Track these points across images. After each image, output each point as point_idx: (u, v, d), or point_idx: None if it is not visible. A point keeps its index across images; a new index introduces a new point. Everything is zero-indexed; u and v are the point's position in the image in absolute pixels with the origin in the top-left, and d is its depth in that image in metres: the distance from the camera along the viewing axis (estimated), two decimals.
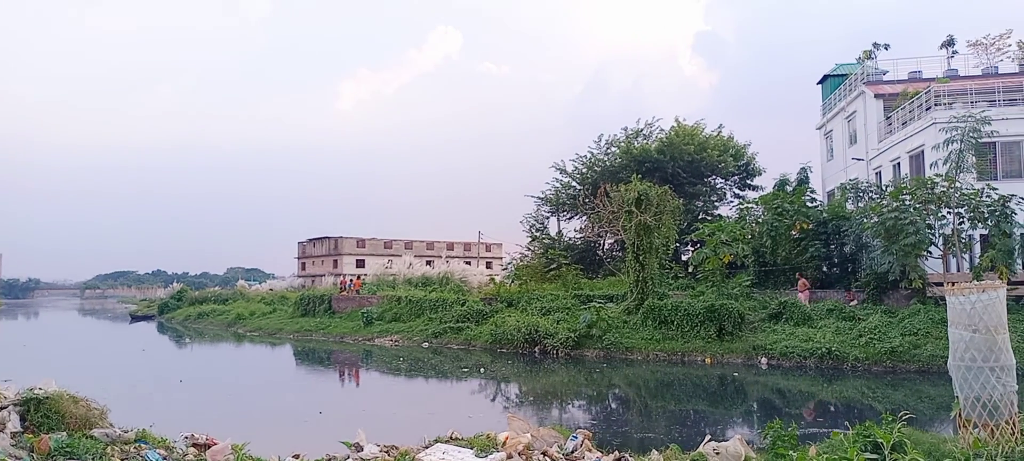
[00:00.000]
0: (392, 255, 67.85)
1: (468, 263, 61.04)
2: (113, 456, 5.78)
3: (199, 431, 6.82)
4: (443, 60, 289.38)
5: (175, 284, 78.79)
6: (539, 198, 47.30)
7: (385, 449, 6.18)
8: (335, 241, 71.48)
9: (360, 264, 68.94)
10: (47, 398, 6.26)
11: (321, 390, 21.20)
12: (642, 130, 44.54)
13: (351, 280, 45.73)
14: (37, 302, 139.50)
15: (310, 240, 76.32)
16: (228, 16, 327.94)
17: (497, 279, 41.68)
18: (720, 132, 43.28)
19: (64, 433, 6.05)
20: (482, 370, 23.27)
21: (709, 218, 37.42)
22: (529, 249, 46.17)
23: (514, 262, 46.30)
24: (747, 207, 32.48)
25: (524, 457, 6.49)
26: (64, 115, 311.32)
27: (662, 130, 43.64)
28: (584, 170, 44.77)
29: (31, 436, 5.88)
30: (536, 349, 25.93)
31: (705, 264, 28.13)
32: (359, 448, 6.11)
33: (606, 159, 43.92)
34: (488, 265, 71.42)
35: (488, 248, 77.42)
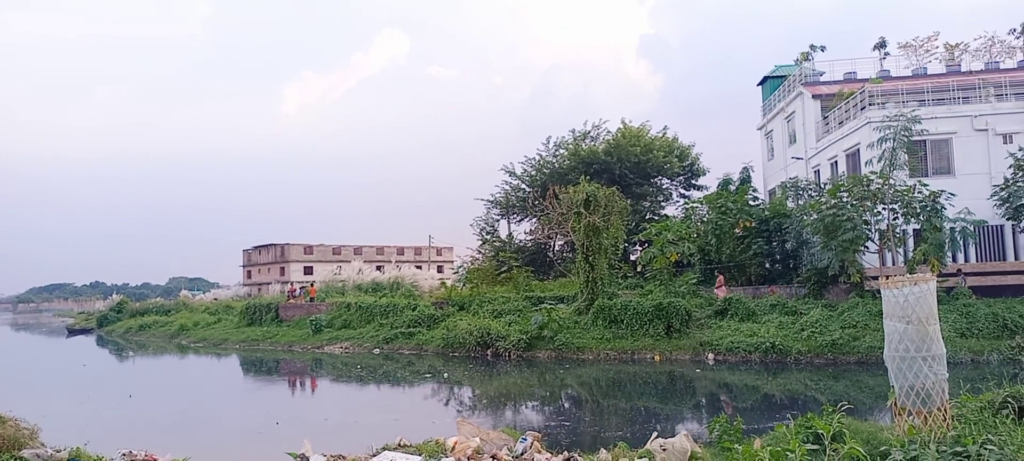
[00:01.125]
0: (341, 261, 66.81)
1: (419, 267, 60.53)
2: None
3: (140, 448, 6.55)
4: (390, 63, 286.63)
5: (114, 296, 75.48)
6: (489, 201, 47.37)
7: (332, 458, 6.06)
8: (281, 248, 69.93)
9: (308, 271, 67.60)
10: None
11: (269, 401, 20.66)
12: (589, 132, 45.08)
13: (302, 287, 44.80)
14: None
15: (256, 248, 74.48)
16: (166, 19, 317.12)
17: (448, 283, 41.51)
18: (665, 134, 44.17)
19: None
20: (440, 375, 23.10)
21: (656, 218, 38.10)
22: (480, 252, 46.16)
23: (465, 266, 46.21)
24: (692, 206, 33.25)
25: None
26: None
27: (609, 132, 44.27)
28: (533, 172, 45.03)
29: None
30: (488, 352, 25.93)
31: (653, 263, 28.63)
32: (305, 458, 5.97)
33: (555, 161, 44.27)
34: (439, 269, 71.00)
35: (439, 252, 77.00)
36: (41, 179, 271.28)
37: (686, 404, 17.40)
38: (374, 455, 6.22)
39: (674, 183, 45.07)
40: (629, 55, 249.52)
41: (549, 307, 27.22)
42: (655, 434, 7.54)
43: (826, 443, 6.12)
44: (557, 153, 44.74)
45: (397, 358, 28.03)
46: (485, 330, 26.61)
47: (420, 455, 6.46)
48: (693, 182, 44.55)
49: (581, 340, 24.92)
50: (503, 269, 38.04)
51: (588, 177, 30.65)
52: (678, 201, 43.53)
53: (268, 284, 65.07)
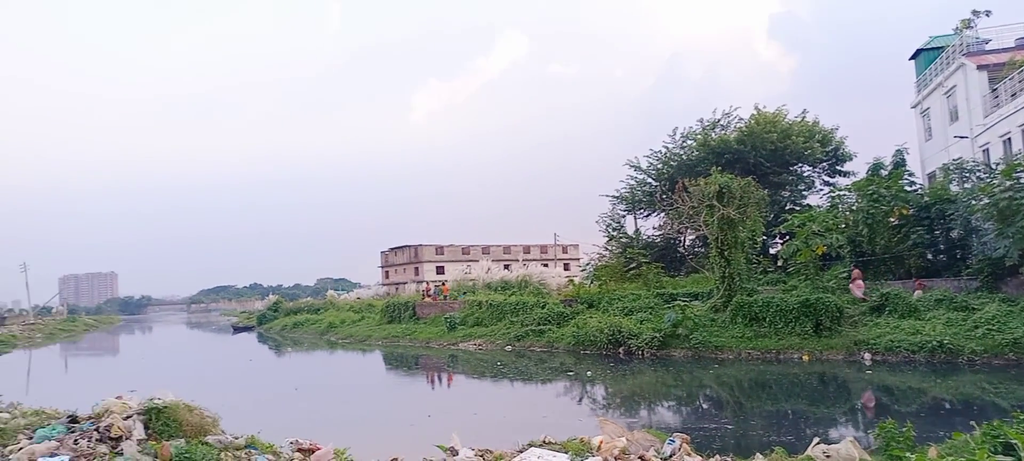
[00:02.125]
0: (470, 260, 68.60)
1: (545, 265, 60.94)
2: None
3: (303, 437, 7.06)
4: (511, 65, 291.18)
5: (270, 296, 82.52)
6: (614, 197, 46.62)
7: (480, 453, 6.20)
8: (415, 249, 73.02)
9: (440, 270, 70.12)
10: (166, 407, 6.64)
11: (415, 394, 21.63)
12: (719, 120, 43.16)
13: (436, 286, 46.54)
14: (150, 317, 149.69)
15: (392, 249, 78.30)
16: (308, 33, 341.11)
17: (576, 280, 41.42)
18: (804, 117, 41.34)
19: (182, 440, 6.39)
20: (573, 373, 23.14)
21: (797, 208, 35.82)
22: (607, 249, 45.57)
23: (592, 263, 45.84)
24: (839, 195, 30.85)
25: None
26: (160, 144, 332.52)
27: (741, 119, 42.12)
28: (659, 166, 43.81)
29: (154, 443, 6.24)
30: (620, 350, 25.56)
31: (796, 257, 26.93)
32: (454, 452, 6.15)
33: (682, 153, 42.83)
34: (566, 267, 71.12)
35: (565, 250, 77.13)
36: (205, 190, 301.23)
37: (840, 408, 16.19)
38: (520, 451, 6.29)
39: (816, 170, 42.12)
40: (758, 36, 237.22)
41: (683, 304, 26.38)
42: (816, 440, 7.04)
43: (1021, 454, 5.44)
44: (685, 144, 43.25)
45: (528, 355, 28.35)
46: (616, 328, 26.28)
47: (566, 453, 6.45)
48: (838, 168, 41.41)
49: (719, 339, 23.95)
50: (631, 266, 37.32)
51: (720, 168, 29.29)
52: (822, 189, 40.60)
53: (404, 284, 68.19)
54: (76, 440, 6.08)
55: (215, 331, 70.45)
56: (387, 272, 78.85)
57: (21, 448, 6.04)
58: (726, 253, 26.13)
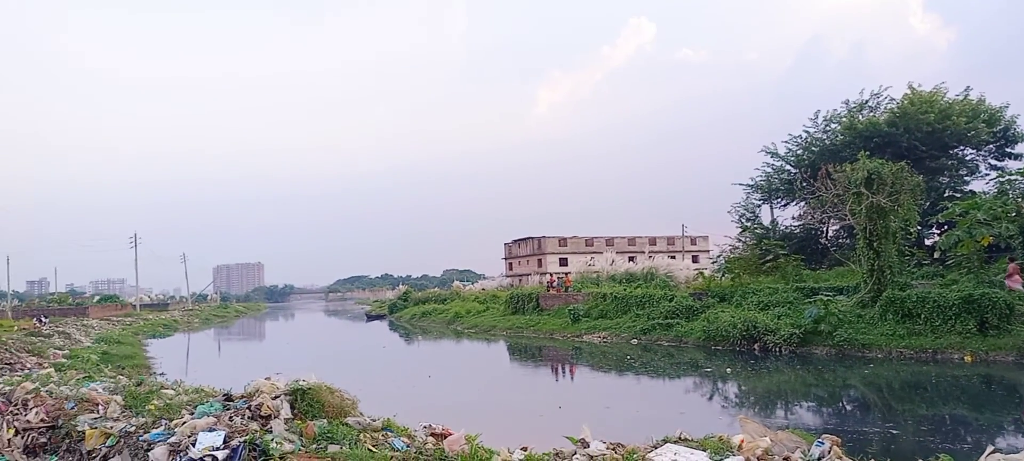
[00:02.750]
0: (593, 252, 68.09)
1: (672, 257, 59.21)
2: (365, 442, 6.26)
3: (435, 422, 7.20)
4: (636, 53, 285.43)
5: (400, 286, 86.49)
6: (748, 185, 44.42)
7: (612, 446, 6.00)
8: (538, 241, 73.49)
9: (563, 262, 70.13)
10: (310, 389, 6.99)
11: (540, 385, 21.72)
12: (867, 102, 39.85)
13: (559, 278, 46.59)
14: (292, 304, 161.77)
15: (515, 241, 79.31)
16: (431, 37, 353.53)
17: (706, 273, 39.90)
18: (967, 95, 37.23)
19: (324, 420, 6.69)
20: (704, 368, 22.31)
21: (958, 195, 32.39)
22: (739, 240, 43.56)
23: (724, 254, 43.99)
24: (1009, 179, 27.56)
25: None
26: (304, 144, 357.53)
27: (892, 100, 38.64)
28: (799, 152, 41.17)
29: (299, 421, 6.58)
30: (755, 346, 24.29)
31: (957, 248, 24.32)
32: (585, 444, 5.99)
33: (825, 138, 39.99)
34: (694, 259, 68.79)
35: (693, 241, 74.63)
36: (341, 179, 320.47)
37: (1011, 415, 14.40)
38: (655, 447, 6.03)
39: (981, 154, 37.83)
40: (912, 9, 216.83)
41: (826, 299, 24.62)
42: (990, 449, 6.20)
43: None
44: (828, 128, 40.34)
45: (655, 349, 27.65)
46: (751, 323, 25.02)
47: (704, 451, 6.11)
48: (1008, 150, 36.95)
49: (867, 336, 22.11)
50: (767, 258, 35.38)
51: (868, 153, 26.98)
52: (987, 174, 36.43)
53: (527, 275, 68.88)
54: (230, 417, 6.52)
55: (350, 318, 74.70)
56: (510, 264, 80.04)
57: (184, 422, 6.55)
58: (875, 244, 24.07)
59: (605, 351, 28.48)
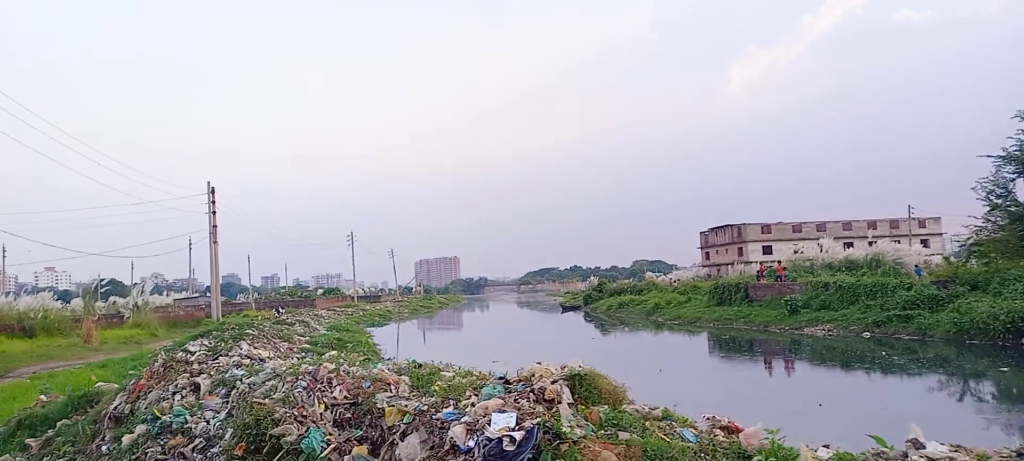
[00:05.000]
0: (801, 239, 63.18)
1: (897, 242, 52.90)
2: (653, 431, 6.06)
3: (712, 413, 6.82)
4: (844, 19, 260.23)
5: (592, 278, 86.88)
6: (999, 157, 38.18)
7: (954, 448, 5.20)
8: (738, 228, 69.67)
9: (767, 250, 65.85)
10: (586, 374, 6.96)
11: (781, 381, 20.21)
12: None
13: (769, 266, 43.78)
14: (486, 296, 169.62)
15: (712, 229, 75.93)
16: (619, 24, 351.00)
17: (951, 258, 35.13)
18: None
19: (606, 406, 6.61)
20: (961, 366, 19.58)
21: None
22: (988, 220, 37.66)
23: (972, 237, 38.36)
24: None
25: None
26: (495, 143, 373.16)
27: None
28: None
29: (582, 407, 6.56)
30: None
31: None
32: (919, 445, 5.25)
33: None
34: (924, 243, 61.12)
35: (921, 224, 66.28)
36: (527, 175, 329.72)
37: None
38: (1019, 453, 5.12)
39: None
40: None
41: None
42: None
43: None
44: None
45: (893, 344, 24.83)
46: (1018, 314, 21.55)
47: None
48: None
49: None
50: None
51: None
52: None
53: (727, 265, 65.60)
54: (515, 399, 6.66)
55: (544, 310, 76.25)
56: (707, 253, 76.81)
57: (473, 403, 6.81)
58: None
59: (832, 345, 26.12)
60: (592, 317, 55.18)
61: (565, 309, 69.47)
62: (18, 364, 25.16)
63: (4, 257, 59.95)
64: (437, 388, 7.52)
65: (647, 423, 6.28)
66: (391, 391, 7.64)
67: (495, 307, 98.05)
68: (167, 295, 70.84)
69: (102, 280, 59.70)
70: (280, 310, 47.18)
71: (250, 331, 22.68)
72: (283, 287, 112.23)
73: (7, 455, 11.07)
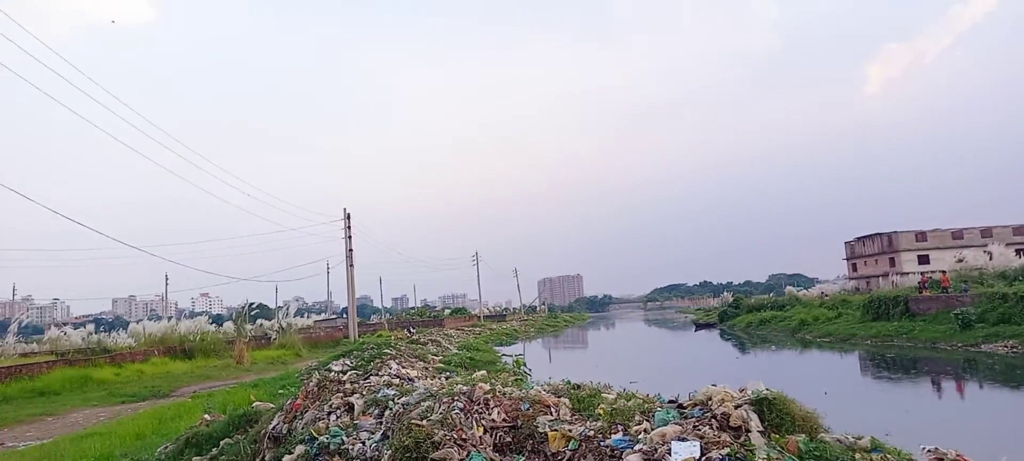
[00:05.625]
0: (964, 246, 56.89)
1: None
2: None
3: (938, 445, 5.80)
4: (998, 5, 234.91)
5: (725, 294, 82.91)
6: None
7: None
8: (888, 237, 63.88)
9: (923, 260, 59.88)
10: (775, 398, 6.18)
11: (977, 406, 17.74)
12: None
13: (931, 277, 39.64)
14: (612, 314, 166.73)
15: (858, 239, 70.17)
16: (740, 31, 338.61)
17: None
18: None
19: (803, 435, 5.80)
20: None
21: None
22: None
23: None
24: None
25: None
26: (619, 160, 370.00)
27: None
28: None
29: (776, 436, 5.80)
30: None
31: None
32: None
33: None
34: None
35: None
36: (655, 197, 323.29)
37: None
38: None
39: None
40: None
41: None
42: None
43: None
44: None
45: None
46: None
47: None
48: None
49: None
50: None
51: None
52: None
53: (877, 277, 60.29)
54: (695, 426, 6.01)
55: (675, 327, 73.45)
56: (854, 265, 71.04)
57: (644, 428, 6.23)
58: None
59: (1017, 364, 22.90)
60: (730, 335, 52.38)
61: (698, 327, 66.59)
62: (181, 384, 27.37)
63: (167, 284, 66.10)
64: (601, 411, 7.02)
65: (856, 455, 5.42)
66: (552, 414, 7.23)
67: (622, 325, 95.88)
68: (307, 317, 75.39)
69: (251, 305, 64.36)
70: (411, 330, 48.41)
71: (388, 350, 23.21)
72: (412, 307, 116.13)
73: None
